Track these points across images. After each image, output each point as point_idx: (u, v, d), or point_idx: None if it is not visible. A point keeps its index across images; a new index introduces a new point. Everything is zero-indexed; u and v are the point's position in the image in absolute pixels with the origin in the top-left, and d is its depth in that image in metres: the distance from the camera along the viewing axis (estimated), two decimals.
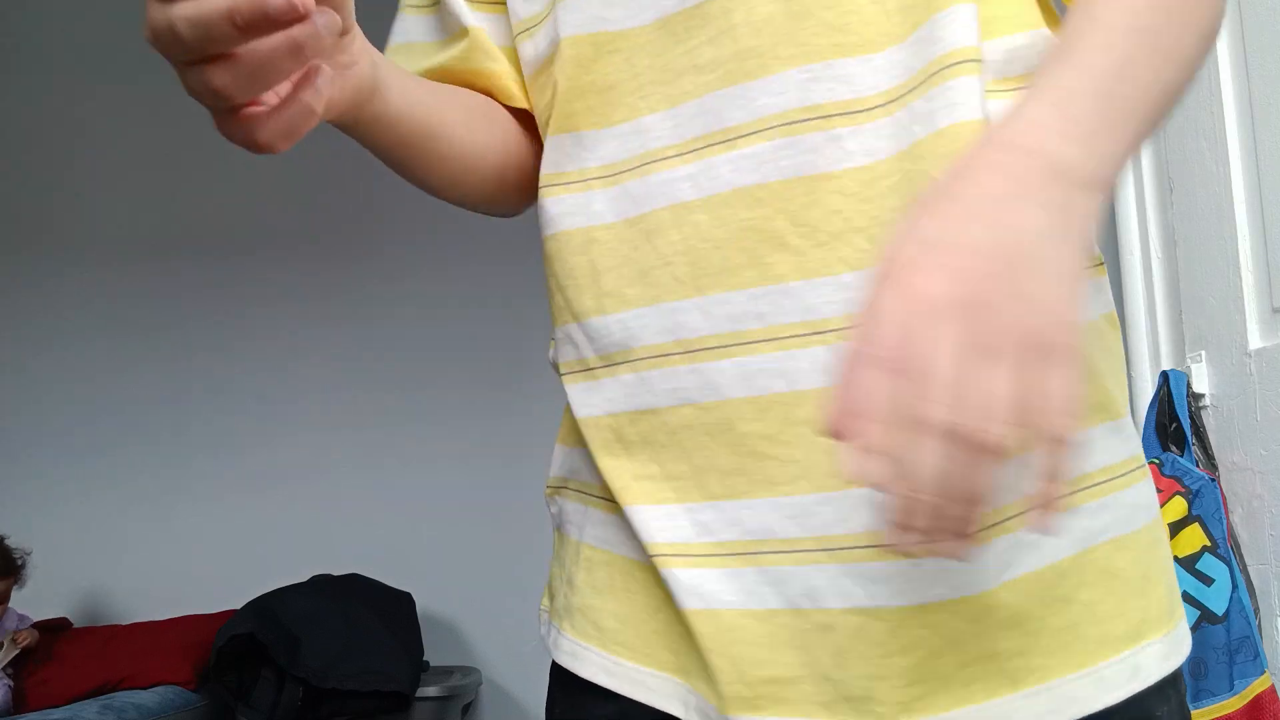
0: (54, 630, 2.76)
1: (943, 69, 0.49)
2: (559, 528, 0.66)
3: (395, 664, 2.55)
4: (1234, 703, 1.28)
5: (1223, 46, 1.47)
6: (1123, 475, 0.53)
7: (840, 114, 0.51)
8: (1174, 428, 1.47)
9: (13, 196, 3.24)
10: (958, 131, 0.48)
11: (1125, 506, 0.53)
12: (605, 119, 0.57)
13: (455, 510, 3.02)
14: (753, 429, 0.52)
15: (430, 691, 2.60)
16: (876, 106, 0.51)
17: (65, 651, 2.70)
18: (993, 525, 0.48)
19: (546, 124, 0.61)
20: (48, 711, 2.41)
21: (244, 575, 2.76)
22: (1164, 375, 1.52)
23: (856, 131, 0.51)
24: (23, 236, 3.24)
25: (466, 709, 2.82)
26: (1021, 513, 0.48)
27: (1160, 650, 0.52)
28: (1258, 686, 1.28)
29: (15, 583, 2.66)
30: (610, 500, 0.59)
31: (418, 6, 0.68)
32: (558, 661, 0.61)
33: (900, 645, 0.49)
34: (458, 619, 3.00)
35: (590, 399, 0.59)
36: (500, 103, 0.66)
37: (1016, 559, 0.49)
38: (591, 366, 0.59)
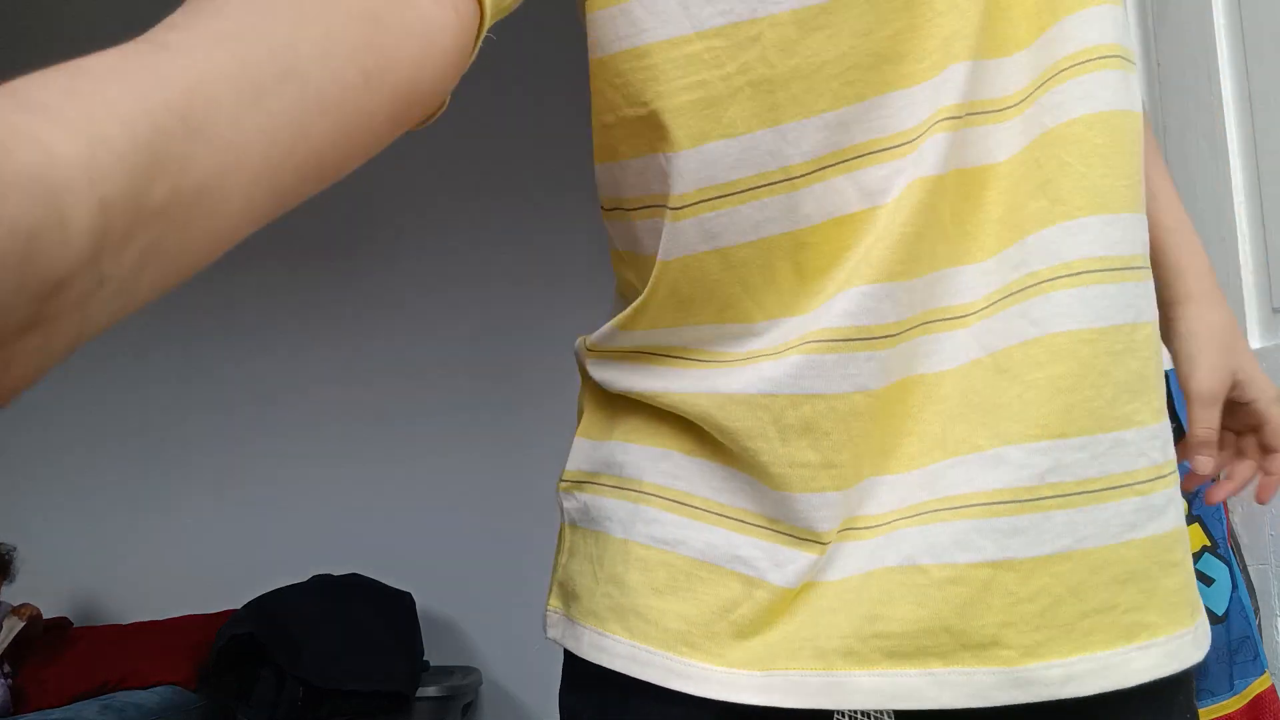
0: (54, 630, 2.76)
1: (1074, 65, 0.53)
2: (581, 524, 0.63)
3: (395, 664, 2.55)
4: (1234, 703, 1.28)
5: (1222, 46, 1.47)
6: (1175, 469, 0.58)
7: (987, 111, 0.54)
8: (1174, 428, 1.47)
9: None
10: (1090, 121, 0.52)
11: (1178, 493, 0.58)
12: (809, 108, 0.53)
13: (455, 510, 3.02)
14: (899, 409, 0.54)
15: (430, 691, 2.60)
16: (1014, 105, 0.54)
17: (65, 651, 2.69)
18: (1125, 486, 0.52)
19: (713, 108, 0.53)
20: (48, 712, 2.41)
21: (244, 575, 2.76)
22: (1164, 375, 1.52)
23: (996, 129, 0.54)
24: None
25: (466, 709, 2.82)
26: (1152, 479, 0.53)
27: (1204, 619, 0.57)
28: (1258, 686, 1.28)
29: (4, 579, 2.65)
30: (665, 498, 0.58)
31: None
32: (609, 667, 0.58)
33: (1029, 593, 0.51)
34: (458, 619, 3.00)
35: (741, 377, 0.56)
36: None
37: (1142, 522, 0.52)
38: (738, 359, 0.57)
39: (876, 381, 0.54)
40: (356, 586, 2.73)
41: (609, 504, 0.61)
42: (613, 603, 0.59)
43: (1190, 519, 1.36)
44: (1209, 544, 1.33)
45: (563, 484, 0.65)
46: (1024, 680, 0.51)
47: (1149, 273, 0.54)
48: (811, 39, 0.52)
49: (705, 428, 0.57)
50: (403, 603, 2.75)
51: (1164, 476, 0.54)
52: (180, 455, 3.15)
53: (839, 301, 0.53)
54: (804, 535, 0.55)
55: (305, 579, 2.74)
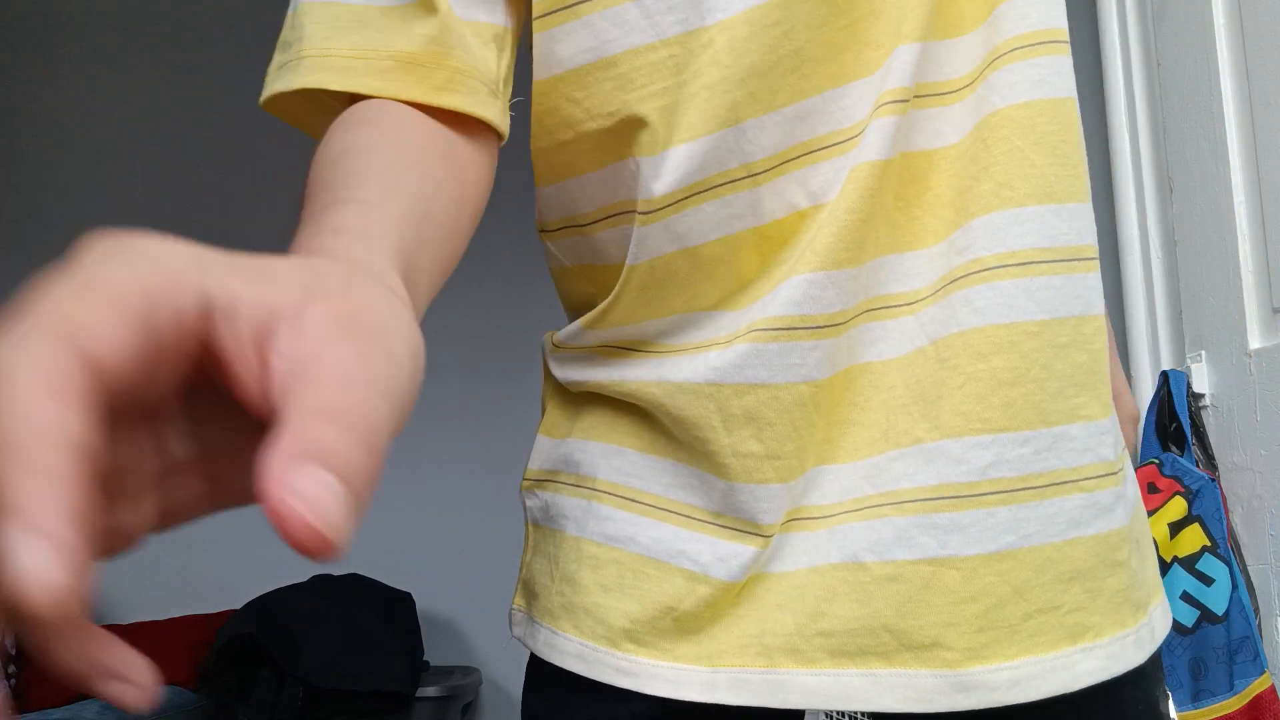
0: None
1: (1022, 46, 0.52)
2: (542, 523, 0.64)
3: (395, 664, 2.55)
4: (1234, 703, 1.28)
5: (1222, 46, 1.47)
6: (1125, 467, 0.57)
7: (936, 94, 0.54)
8: (1174, 428, 1.47)
9: (9, 195, 3.25)
10: (1041, 106, 0.52)
11: (1134, 486, 0.57)
12: (767, 104, 0.52)
13: (455, 510, 3.03)
14: (844, 397, 0.53)
15: (430, 691, 2.60)
16: (965, 86, 0.54)
17: None
18: (1070, 482, 0.51)
19: (676, 113, 0.52)
20: (48, 712, 2.41)
21: (244, 575, 2.76)
22: (1164, 375, 1.52)
23: (945, 111, 0.54)
24: (20, 238, 3.24)
25: (466, 709, 2.82)
26: (1100, 476, 0.52)
27: (1161, 610, 0.57)
28: (1258, 686, 1.28)
29: None
30: (618, 495, 0.58)
31: None
32: (560, 665, 0.58)
33: (971, 593, 0.50)
34: (458, 619, 3.01)
35: (689, 366, 0.55)
36: (453, 111, 0.51)
37: (1088, 520, 0.51)
38: (691, 348, 0.56)
39: (821, 371, 0.53)
40: (356, 586, 2.74)
41: (566, 502, 0.61)
42: (565, 601, 0.59)
43: (1190, 519, 1.36)
44: (1209, 544, 1.34)
45: (525, 483, 0.65)
46: (968, 684, 0.50)
47: (1097, 264, 0.53)
48: (765, 36, 0.51)
49: (659, 417, 0.57)
50: (403, 603, 2.75)
51: (1113, 474, 0.53)
52: None
53: (783, 290, 0.52)
54: (747, 528, 0.54)
55: (305, 579, 2.75)
